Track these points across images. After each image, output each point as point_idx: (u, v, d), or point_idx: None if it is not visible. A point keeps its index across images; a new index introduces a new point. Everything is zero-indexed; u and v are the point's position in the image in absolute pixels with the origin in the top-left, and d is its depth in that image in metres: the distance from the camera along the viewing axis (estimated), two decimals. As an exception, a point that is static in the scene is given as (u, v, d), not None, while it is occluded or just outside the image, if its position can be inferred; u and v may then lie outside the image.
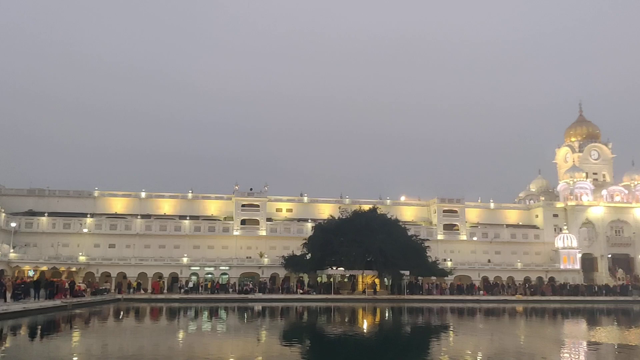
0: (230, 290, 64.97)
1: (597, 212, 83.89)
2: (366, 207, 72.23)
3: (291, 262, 66.84)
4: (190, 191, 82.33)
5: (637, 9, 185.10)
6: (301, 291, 64.36)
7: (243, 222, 77.60)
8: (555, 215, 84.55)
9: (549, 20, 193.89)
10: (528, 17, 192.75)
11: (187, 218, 76.80)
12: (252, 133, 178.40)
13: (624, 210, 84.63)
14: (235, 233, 76.33)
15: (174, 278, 68.28)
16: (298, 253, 67.67)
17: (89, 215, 74.47)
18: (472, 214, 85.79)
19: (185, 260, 69.92)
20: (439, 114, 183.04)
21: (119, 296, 58.81)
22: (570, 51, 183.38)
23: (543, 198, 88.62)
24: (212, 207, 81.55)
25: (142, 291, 63.10)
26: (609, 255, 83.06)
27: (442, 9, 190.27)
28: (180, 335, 29.65)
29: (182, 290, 63.87)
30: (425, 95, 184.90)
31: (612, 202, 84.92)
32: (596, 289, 71.48)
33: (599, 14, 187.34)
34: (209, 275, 69.05)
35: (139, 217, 75.93)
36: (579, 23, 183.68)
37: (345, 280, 67.90)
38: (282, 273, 69.24)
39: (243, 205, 77.81)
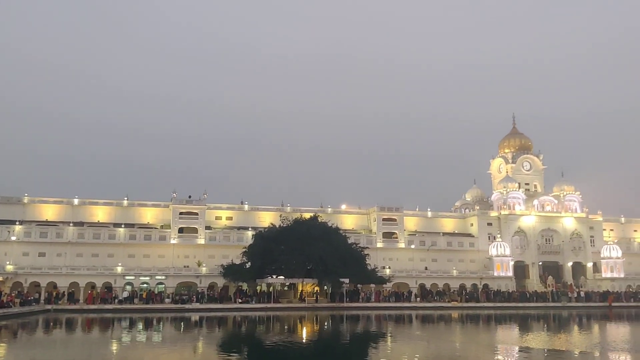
0: (167, 300, 63.44)
1: (529, 221, 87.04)
2: (307, 215, 72.19)
3: (230, 271, 65.85)
4: (125, 198, 79.93)
5: (565, 25, 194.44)
6: (240, 300, 63.59)
7: (181, 230, 75.98)
8: (490, 224, 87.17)
9: (483, 37, 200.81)
10: (464, 33, 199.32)
11: (122, 226, 74.45)
12: (190, 141, 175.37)
13: (553, 220, 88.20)
14: (173, 242, 74.63)
15: (108, 288, 65.98)
16: (237, 262, 66.73)
17: (17, 223, 71.02)
18: (411, 223, 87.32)
19: (119, 269, 67.68)
20: (379, 127, 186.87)
21: (49, 307, 56.28)
22: (505, 66, 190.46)
23: (478, 207, 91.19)
24: (149, 214, 79.46)
25: (73, 302, 60.68)
26: (540, 263, 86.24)
27: (383, 26, 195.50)
28: (114, 347, 28.60)
29: (116, 300, 61.81)
30: (367, 109, 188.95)
31: (542, 211, 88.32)
32: (528, 295, 74.03)
33: (530, 32, 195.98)
34: (145, 285, 67.10)
35: (71, 224, 73.03)
36: (512, 40, 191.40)
37: (286, 288, 67.56)
38: (220, 282, 68.15)
39: (181, 213, 76.21)
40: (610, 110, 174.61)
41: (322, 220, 69.35)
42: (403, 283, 74.85)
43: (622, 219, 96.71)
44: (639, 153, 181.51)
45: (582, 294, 75.61)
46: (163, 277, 68.25)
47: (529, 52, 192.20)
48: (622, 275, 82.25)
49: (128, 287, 65.86)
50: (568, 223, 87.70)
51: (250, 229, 76.48)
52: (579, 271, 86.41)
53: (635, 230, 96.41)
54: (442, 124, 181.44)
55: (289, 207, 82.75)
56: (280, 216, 72.08)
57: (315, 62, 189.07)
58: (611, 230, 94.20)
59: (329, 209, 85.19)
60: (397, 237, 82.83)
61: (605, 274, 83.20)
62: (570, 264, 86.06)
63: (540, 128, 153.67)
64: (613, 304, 70.62)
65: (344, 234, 70.00)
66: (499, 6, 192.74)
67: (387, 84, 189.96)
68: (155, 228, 76.66)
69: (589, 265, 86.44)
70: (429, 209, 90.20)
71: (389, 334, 38.38)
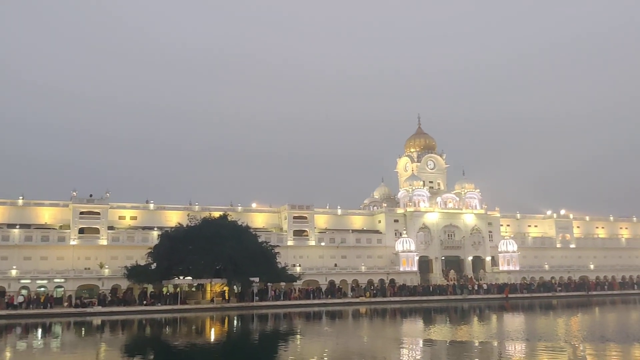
0: (66, 304, 60.20)
1: (433, 217, 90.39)
2: (216, 214, 70.89)
3: (135, 272, 63.45)
4: (21, 197, 74.97)
5: (468, 26, 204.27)
6: (145, 302, 61.46)
7: (81, 230, 72.29)
8: (396, 221, 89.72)
9: (392, 42, 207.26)
10: (374, 38, 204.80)
11: (17, 226, 69.76)
12: (90, 138, 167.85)
13: (455, 216, 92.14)
14: (73, 243, 70.88)
15: (1, 292, 61.64)
16: (142, 263, 64.44)
17: None
18: (321, 220, 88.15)
19: (14, 272, 63.46)
20: (290, 129, 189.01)
21: None
22: (410, 67, 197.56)
23: (385, 205, 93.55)
24: (46, 214, 75.00)
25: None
26: (443, 258, 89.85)
27: (293, 30, 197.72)
28: (7, 355, 26.65)
29: (9, 306, 57.79)
30: (276, 111, 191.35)
31: (445, 208, 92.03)
32: (431, 289, 76.95)
33: (436, 33, 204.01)
34: (42, 289, 63.32)
35: (-43, 226, 67.59)
36: (417, 42, 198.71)
37: (193, 289, 66.05)
38: (124, 284, 65.54)
39: (82, 213, 72.52)
40: (507, 114, 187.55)
41: (232, 219, 68.39)
42: (313, 280, 75.43)
43: (518, 215, 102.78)
44: (534, 154, 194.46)
45: (483, 286, 79.55)
46: (62, 280, 64.79)
47: (436, 57, 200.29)
48: (517, 268, 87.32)
49: (24, 292, 61.86)
50: (468, 219, 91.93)
51: (156, 228, 74.10)
52: (478, 265, 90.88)
53: (529, 226, 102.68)
54: (353, 125, 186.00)
55: (197, 206, 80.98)
56: (188, 215, 70.28)
57: (223, 61, 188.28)
58: (508, 225, 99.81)
59: (239, 208, 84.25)
60: (307, 235, 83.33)
61: (503, 267, 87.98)
62: (470, 258, 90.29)
63: (444, 129, 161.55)
64: (509, 296, 74.83)
65: (254, 232, 69.42)
66: (409, 11, 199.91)
67: (297, 86, 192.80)
68: (54, 229, 72.52)
69: (488, 259, 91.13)
70: (339, 207, 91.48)
71: (299, 332, 38.47)
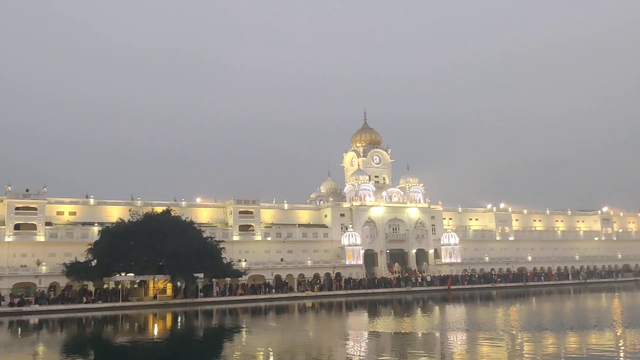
0: (1, 302, 57.70)
1: (378, 211, 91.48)
2: (159, 209, 69.35)
3: (74, 269, 61.37)
4: (-50, 192, 71.33)
5: (411, 23, 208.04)
6: (85, 300, 59.63)
7: (17, 226, 69.32)
8: (342, 215, 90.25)
9: (336, 41, 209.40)
10: (321, 40, 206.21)
11: (-54, 223, 66.40)
12: (27, 134, 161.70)
13: (400, 210, 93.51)
14: (8, 239, 67.87)
15: None
16: (82, 260, 62.45)
17: None
18: (267, 215, 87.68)
19: (-58, 271, 60.42)
20: (237, 127, 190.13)
21: None
22: (358, 68, 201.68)
23: (332, 199, 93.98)
24: (-21, 210, 71.65)
25: None
26: (387, 251, 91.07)
27: (239, 31, 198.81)
28: None
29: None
30: (222, 110, 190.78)
31: (390, 202, 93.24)
32: (376, 281, 77.94)
33: (382, 32, 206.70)
34: (-26, 288, 60.46)
35: None
36: (364, 40, 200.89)
37: (136, 286, 64.48)
38: (63, 282, 63.34)
39: (17, 208, 69.54)
40: (451, 115, 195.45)
41: (176, 214, 67.11)
42: (259, 275, 75.02)
43: (460, 209, 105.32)
44: (474, 150, 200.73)
45: (426, 278, 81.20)
46: (-4, 279, 62.02)
47: (384, 58, 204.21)
48: (459, 260, 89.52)
49: (-47, 292, 58.91)
50: (412, 213, 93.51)
51: (96, 224, 71.92)
52: (422, 257, 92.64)
53: (470, 219, 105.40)
54: (301, 122, 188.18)
55: (139, 201, 78.97)
56: (130, 210, 68.44)
57: (170, 60, 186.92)
58: (450, 219, 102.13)
59: (183, 203, 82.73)
60: (253, 230, 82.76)
61: (445, 259, 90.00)
62: (414, 251, 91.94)
63: (389, 125, 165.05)
64: (451, 287, 76.71)
65: (198, 227, 68.31)
66: (357, 12, 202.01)
67: (247, 87, 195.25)
68: (-13, 225, 69.31)
69: (431, 251, 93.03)
70: (285, 202, 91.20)
71: (244, 327, 38.24)
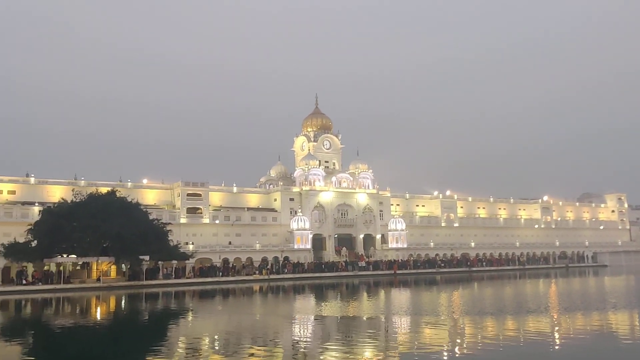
0: None
1: (327, 196, 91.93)
2: (104, 190, 67.54)
3: (12, 250, 59.15)
4: None
5: (369, 19, 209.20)
6: (25, 282, 57.67)
7: (-49, 205, 66.36)
8: (292, 199, 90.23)
9: (283, 20, 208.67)
10: (275, 31, 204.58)
11: None
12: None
13: (349, 195, 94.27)
14: (-59, 218, 64.88)
15: None
16: (22, 240, 60.29)
17: None
18: (216, 198, 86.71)
19: None
20: (190, 116, 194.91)
21: None
22: (311, 61, 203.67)
23: (282, 183, 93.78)
24: None
25: None
26: (336, 235, 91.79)
27: (186, 25, 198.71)
28: None
29: None
30: (172, 100, 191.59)
31: (339, 187, 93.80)
32: (323, 266, 78.56)
33: (333, 14, 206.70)
34: None
35: None
36: (316, 22, 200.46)
37: (78, 268, 62.79)
38: (1, 263, 61.11)
39: (-48, 186, 66.56)
40: (404, 106, 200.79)
41: (121, 195, 65.51)
42: (206, 258, 74.34)
43: (407, 195, 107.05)
44: (422, 138, 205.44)
45: (373, 263, 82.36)
46: None
47: (330, 36, 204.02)
48: (405, 246, 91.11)
49: None
50: (361, 198, 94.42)
51: (37, 204, 69.48)
52: (369, 242, 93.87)
53: (417, 205, 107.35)
54: (255, 109, 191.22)
55: (83, 181, 76.75)
56: (73, 190, 66.30)
57: (120, 49, 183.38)
58: (397, 205, 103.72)
59: (129, 184, 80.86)
60: (201, 213, 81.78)
61: (392, 244, 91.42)
62: (362, 236, 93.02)
63: (340, 111, 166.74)
64: (397, 272, 78.15)
65: (145, 209, 66.92)
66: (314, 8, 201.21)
67: (199, 81, 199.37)
68: None
69: (378, 237, 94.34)
70: (234, 185, 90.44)
71: (190, 310, 37.89)
